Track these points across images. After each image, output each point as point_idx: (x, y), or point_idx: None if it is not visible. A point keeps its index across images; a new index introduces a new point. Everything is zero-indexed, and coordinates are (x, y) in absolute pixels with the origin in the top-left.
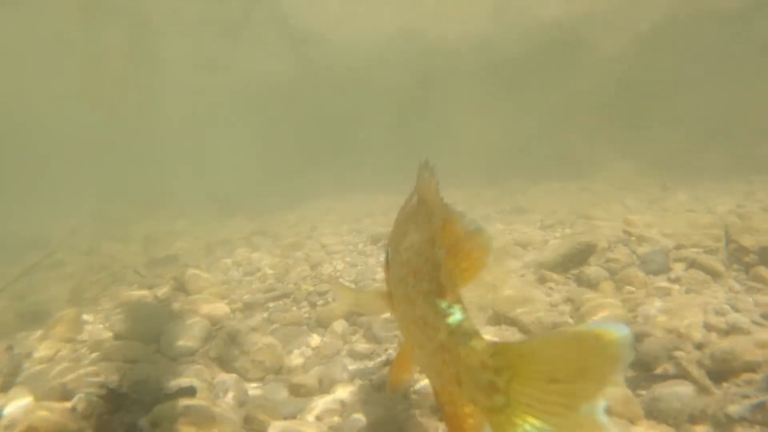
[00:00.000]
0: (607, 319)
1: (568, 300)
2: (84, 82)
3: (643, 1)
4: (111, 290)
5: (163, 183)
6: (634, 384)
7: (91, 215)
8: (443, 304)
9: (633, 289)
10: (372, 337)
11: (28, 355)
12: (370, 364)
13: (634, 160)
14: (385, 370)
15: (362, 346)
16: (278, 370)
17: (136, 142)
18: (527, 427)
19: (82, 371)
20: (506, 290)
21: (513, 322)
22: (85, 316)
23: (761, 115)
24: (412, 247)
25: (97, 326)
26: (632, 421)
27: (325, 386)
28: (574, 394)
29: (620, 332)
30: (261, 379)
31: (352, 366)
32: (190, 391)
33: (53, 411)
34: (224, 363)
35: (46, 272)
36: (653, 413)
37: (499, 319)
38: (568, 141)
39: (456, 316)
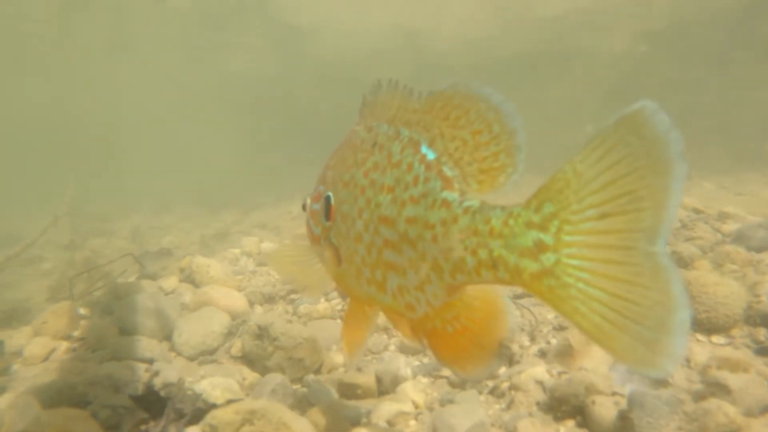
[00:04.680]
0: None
1: None
2: (60, 73)
3: (643, 1)
4: (105, 281)
5: (144, 178)
6: None
7: (69, 210)
8: (451, 195)
9: (736, 267)
10: None
11: (17, 353)
12: (426, 359)
13: None
14: None
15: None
16: (318, 369)
17: (114, 136)
18: (580, 285)
19: (91, 371)
20: None
21: None
22: (81, 310)
23: (762, 113)
24: (374, 168)
25: (96, 321)
26: None
27: (386, 386)
28: (630, 228)
29: (648, 109)
30: (299, 380)
31: (413, 362)
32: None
33: (69, 417)
34: (252, 361)
35: (21, 268)
36: None
37: None
38: (566, 138)
39: (473, 201)
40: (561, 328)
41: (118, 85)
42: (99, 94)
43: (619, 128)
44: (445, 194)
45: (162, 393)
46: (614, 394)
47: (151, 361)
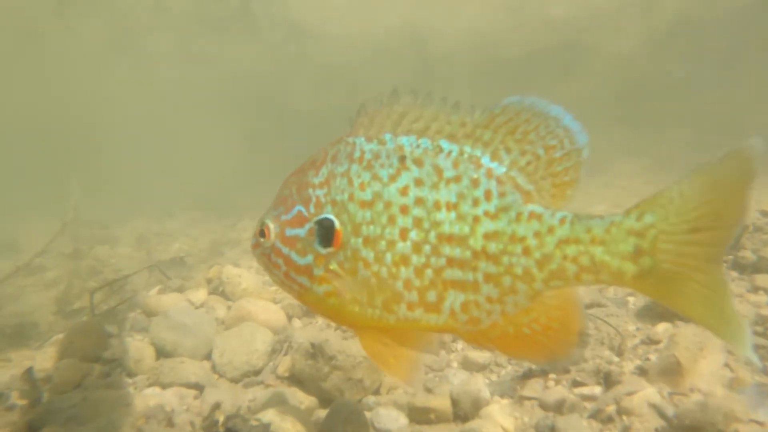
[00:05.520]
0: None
1: (758, 288)
2: (54, 72)
3: (653, 1)
4: (124, 294)
5: (142, 182)
6: None
7: (65, 216)
8: (539, 208)
9: None
10: None
11: (46, 379)
12: (494, 377)
13: (641, 158)
14: (533, 382)
15: (474, 354)
16: (377, 390)
17: (109, 139)
18: (678, 284)
19: (140, 403)
20: None
21: None
22: (108, 327)
23: None
24: (417, 184)
25: (127, 339)
26: None
27: (465, 409)
28: (716, 242)
29: (757, 146)
30: (358, 402)
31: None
32: None
33: None
34: (304, 382)
35: (22, 278)
36: None
37: (670, 313)
38: None
39: (565, 213)
40: (652, 342)
41: (114, 86)
42: (93, 96)
43: (729, 163)
44: (532, 207)
45: (229, 425)
46: (750, 421)
47: (199, 387)
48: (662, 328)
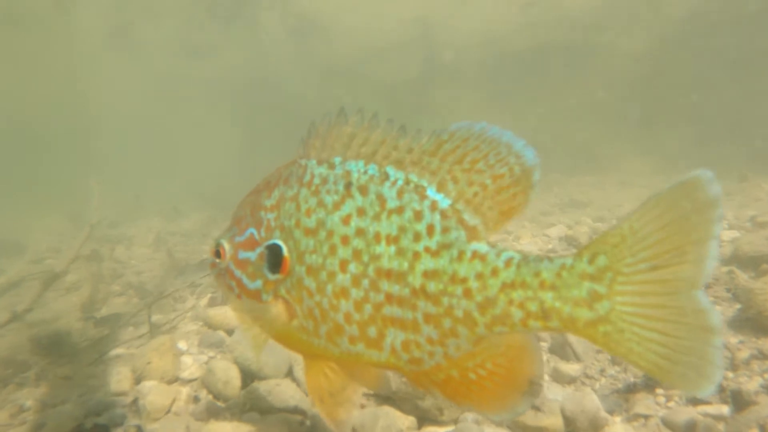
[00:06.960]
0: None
1: None
2: (51, 66)
3: (663, 1)
4: (173, 300)
5: (144, 180)
6: None
7: (69, 216)
8: (483, 247)
9: None
10: (569, 353)
11: (131, 404)
12: (588, 390)
13: (653, 156)
14: (640, 397)
15: (564, 366)
16: (471, 407)
17: (110, 135)
18: (635, 329)
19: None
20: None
21: None
22: (180, 344)
23: None
24: (359, 214)
25: (200, 357)
26: None
27: (581, 430)
28: (675, 277)
29: (703, 175)
30: (454, 421)
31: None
32: None
33: None
34: (398, 401)
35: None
36: None
37: None
38: (582, 136)
39: (512, 253)
40: (764, 357)
41: (113, 81)
42: (93, 92)
43: (676, 192)
44: (476, 246)
45: None
46: None
47: (301, 412)
48: None
